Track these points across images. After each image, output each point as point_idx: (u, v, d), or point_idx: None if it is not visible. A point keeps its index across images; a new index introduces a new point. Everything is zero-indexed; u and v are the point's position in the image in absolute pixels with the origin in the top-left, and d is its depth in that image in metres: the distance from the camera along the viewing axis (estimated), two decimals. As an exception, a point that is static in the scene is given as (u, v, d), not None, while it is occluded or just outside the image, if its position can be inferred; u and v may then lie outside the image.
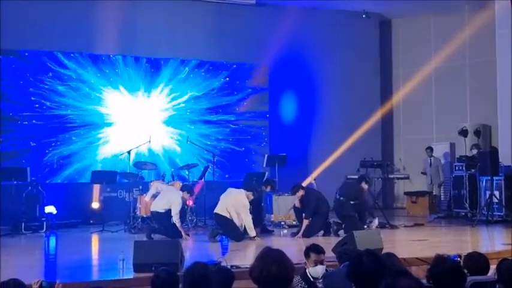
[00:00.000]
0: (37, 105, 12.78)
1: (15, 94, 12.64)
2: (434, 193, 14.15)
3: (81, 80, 13.19)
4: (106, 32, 13.11)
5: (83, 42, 13.09)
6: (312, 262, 5.21)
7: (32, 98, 12.73)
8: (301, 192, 10.45)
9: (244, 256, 7.99)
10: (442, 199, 14.22)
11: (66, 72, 13.05)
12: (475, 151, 13.01)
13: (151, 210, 10.28)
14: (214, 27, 14.31)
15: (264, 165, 13.37)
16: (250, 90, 14.76)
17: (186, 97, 14.09)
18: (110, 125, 13.44)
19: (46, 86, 12.87)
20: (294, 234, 10.26)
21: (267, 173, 12.79)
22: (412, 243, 9.16)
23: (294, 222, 11.33)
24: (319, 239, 9.91)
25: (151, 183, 11.56)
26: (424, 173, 14.37)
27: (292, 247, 9.10)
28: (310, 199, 10.32)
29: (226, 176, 14.00)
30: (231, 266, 6.79)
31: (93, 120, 13.28)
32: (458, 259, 4.68)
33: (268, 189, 11.13)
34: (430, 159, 14.20)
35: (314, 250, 5.31)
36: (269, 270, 3.32)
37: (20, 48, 12.66)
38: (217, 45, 14.29)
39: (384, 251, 6.38)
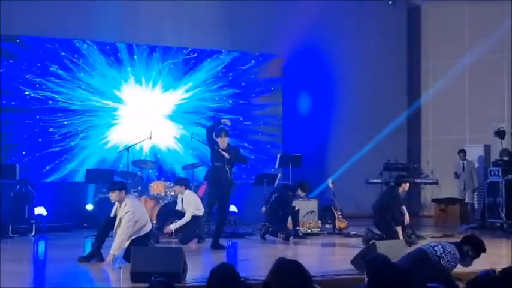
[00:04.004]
0: (28, 95, 12.82)
1: (7, 84, 12.65)
2: (466, 200, 14.01)
3: (82, 71, 13.24)
4: (109, 19, 13.11)
5: (85, 29, 13.09)
6: None
7: (24, 90, 12.75)
8: None
9: (253, 267, 7.96)
10: (476, 207, 14.08)
11: (65, 62, 13.10)
12: (506, 158, 12.85)
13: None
14: (226, 14, 14.25)
15: (276, 166, 13.32)
16: (263, 83, 14.73)
17: (192, 90, 14.09)
18: (113, 118, 13.49)
19: (40, 77, 12.91)
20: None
21: (279, 175, 12.75)
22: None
23: (309, 231, 11.29)
24: (337, 250, 9.86)
25: (152, 184, 11.61)
26: (457, 176, 14.07)
27: (308, 257, 9.09)
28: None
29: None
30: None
31: (94, 113, 13.34)
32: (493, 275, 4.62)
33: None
34: (463, 163, 14.04)
35: None
36: (289, 285, 3.26)
37: (15, 34, 12.67)
38: (228, 34, 14.24)
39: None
